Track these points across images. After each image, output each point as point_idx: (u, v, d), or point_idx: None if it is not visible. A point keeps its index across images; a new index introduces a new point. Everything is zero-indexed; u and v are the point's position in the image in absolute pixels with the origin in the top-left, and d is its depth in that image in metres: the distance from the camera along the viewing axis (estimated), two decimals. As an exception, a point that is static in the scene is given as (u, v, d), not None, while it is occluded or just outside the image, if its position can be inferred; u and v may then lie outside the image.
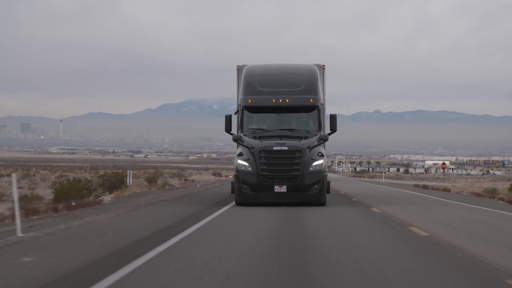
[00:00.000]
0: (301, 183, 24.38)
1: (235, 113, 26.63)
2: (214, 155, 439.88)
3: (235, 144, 25.89)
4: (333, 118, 25.86)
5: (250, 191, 24.41)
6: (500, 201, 36.27)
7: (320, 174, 24.57)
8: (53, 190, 36.24)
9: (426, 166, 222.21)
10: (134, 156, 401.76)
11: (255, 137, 25.10)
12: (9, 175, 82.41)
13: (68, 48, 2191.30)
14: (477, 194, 45.67)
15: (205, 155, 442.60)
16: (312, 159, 24.53)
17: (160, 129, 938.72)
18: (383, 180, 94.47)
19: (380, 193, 43.08)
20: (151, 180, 55.55)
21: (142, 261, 10.96)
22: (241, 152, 24.86)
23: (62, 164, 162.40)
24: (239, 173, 24.53)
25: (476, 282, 9.23)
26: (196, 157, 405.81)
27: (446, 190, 53.88)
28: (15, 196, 16.53)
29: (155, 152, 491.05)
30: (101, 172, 74.91)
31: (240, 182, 24.49)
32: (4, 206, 32.92)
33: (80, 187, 34.46)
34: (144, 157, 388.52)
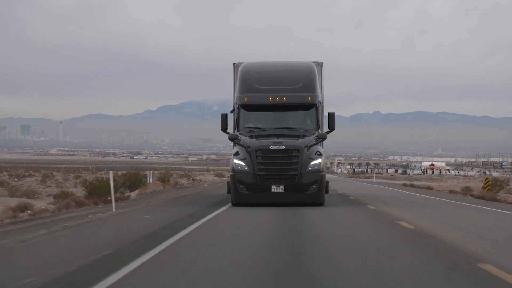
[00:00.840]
0: (298, 183, 23.95)
1: (231, 112, 26.17)
2: (214, 157, 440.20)
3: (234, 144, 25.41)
4: (331, 116, 25.40)
5: (247, 191, 24.03)
6: (470, 197, 41.26)
7: (318, 173, 24.14)
8: (83, 188, 41.64)
9: (422, 168, 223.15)
10: (134, 157, 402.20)
11: (251, 136, 24.64)
12: (29, 175, 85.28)
13: (68, 49, 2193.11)
14: (453, 191, 50.61)
15: (204, 157, 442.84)
16: (310, 158, 24.11)
17: (160, 130, 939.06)
18: (374, 179, 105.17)
19: (362, 188, 52.89)
20: (164, 180, 59.25)
21: (198, 224, 17.69)
22: (238, 152, 24.43)
23: (68, 166, 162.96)
24: (236, 173, 24.13)
25: (386, 223, 19.05)
26: (196, 159, 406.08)
27: (429, 188, 58.87)
28: (112, 186, 25.12)
29: (155, 154, 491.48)
30: (110, 174, 79.73)
31: (236, 182, 24.09)
32: (43, 202, 36.65)
33: (108, 185, 36.92)
34: (144, 158, 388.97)
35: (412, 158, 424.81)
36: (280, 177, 23.95)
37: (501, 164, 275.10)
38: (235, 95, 26.07)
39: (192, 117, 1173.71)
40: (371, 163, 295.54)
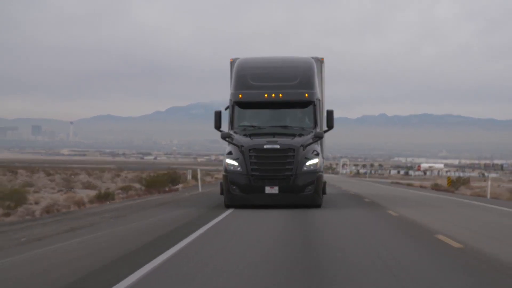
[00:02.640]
0: (294, 184, 22.90)
1: (225, 109, 25.22)
2: (222, 158, 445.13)
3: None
4: (329, 114, 24.37)
5: (240, 193, 23.05)
6: (433, 190, 54.81)
7: (314, 174, 23.05)
8: (139, 182, 52.21)
9: (422, 169, 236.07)
10: (144, 158, 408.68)
11: (245, 135, 23.70)
12: (74, 174, 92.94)
13: (78, 52, 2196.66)
14: (423, 186, 64.94)
15: (213, 157, 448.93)
16: (306, 158, 23.05)
17: (168, 131, 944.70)
18: (367, 178, 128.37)
19: (350, 183, 70.87)
20: (196, 177, 71.92)
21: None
22: (231, 151, 23.53)
23: (84, 166, 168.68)
24: (228, 173, 23.18)
25: (350, 196, 34.48)
26: (204, 159, 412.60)
27: (409, 185, 71.89)
28: (199, 177, 44.82)
29: (164, 154, 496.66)
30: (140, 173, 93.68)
31: (229, 182, 23.10)
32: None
33: (160, 180, 49.23)
34: (154, 159, 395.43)
35: (417, 160, 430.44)
36: (275, 177, 22.97)
37: (502, 166, 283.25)
38: (230, 92, 25.15)
39: (200, 119, 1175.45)
40: (376, 164, 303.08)
